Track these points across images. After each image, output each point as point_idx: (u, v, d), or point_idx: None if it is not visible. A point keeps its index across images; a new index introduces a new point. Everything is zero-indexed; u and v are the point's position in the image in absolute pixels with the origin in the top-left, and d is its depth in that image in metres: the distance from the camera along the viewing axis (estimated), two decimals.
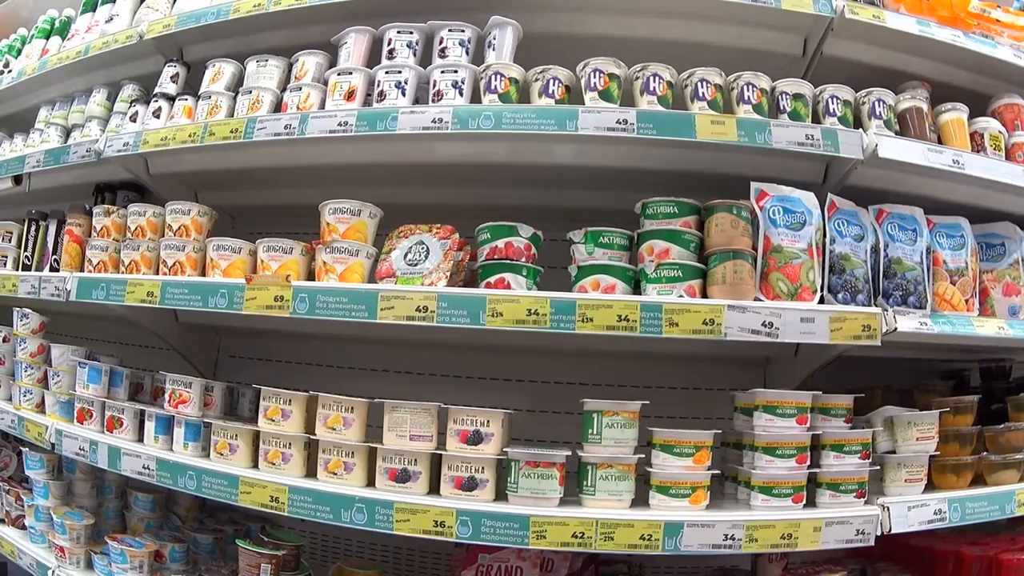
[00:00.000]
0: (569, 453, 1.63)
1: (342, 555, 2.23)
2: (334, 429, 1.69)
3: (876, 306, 1.79)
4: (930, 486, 1.84)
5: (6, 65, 3.02)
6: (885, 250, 1.85)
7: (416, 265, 1.72)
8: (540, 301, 1.62)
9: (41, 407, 2.27)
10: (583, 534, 1.56)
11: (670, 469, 1.62)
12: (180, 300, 1.89)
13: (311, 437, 1.72)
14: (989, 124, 2.10)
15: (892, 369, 2.09)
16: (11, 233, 2.56)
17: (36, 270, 2.44)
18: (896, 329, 1.72)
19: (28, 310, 2.31)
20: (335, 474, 1.69)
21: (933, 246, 1.93)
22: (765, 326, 1.65)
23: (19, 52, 3.02)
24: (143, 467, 1.92)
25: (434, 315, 1.63)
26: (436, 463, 1.66)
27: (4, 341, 2.45)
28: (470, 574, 1.76)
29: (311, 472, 1.75)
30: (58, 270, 2.31)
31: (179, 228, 1.98)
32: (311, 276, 1.86)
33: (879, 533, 1.67)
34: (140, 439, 2.01)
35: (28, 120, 2.79)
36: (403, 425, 1.64)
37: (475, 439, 1.62)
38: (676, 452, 1.63)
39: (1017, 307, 2.01)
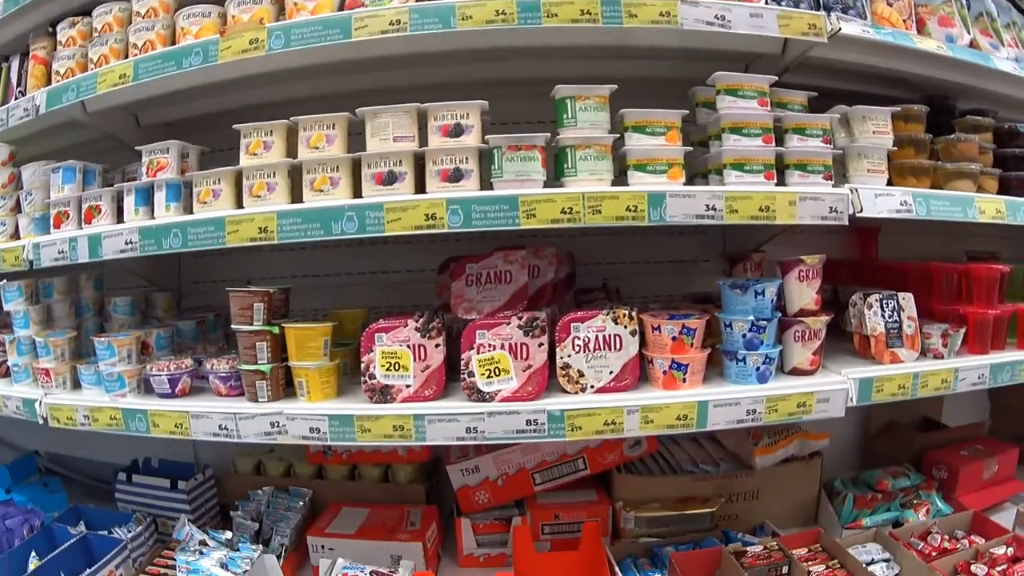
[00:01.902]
0: (548, 135, 1.68)
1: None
2: (317, 148, 1.72)
3: None
4: None
5: None
6: None
7: None
8: (506, 2, 1.68)
9: (16, 236, 2.22)
10: (571, 209, 1.60)
11: (645, 146, 1.69)
12: (154, 71, 1.90)
13: (295, 161, 1.74)
14: None
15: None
16: None
17: None
18: (840, 30, 1.84)
19: None
20: (321, 191, 1.71)
21: None
22: (718, 19, 1.75)
23: None
24: (126, 243, 1.88)
25: (407, 26, 1.69)
26: (420, 167, 1.70)
27: None
28: (460, 285, 1.77)
29: (297, 201, 1.76)
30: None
31: (147, 11, 1.99)
32: None
33: (851, 212, 1.75)
34: (120, 222, 1.99)
35: None
36: (386, 129, 1.68)
37: (456, 131, 1.66)
38: (649, 132, 1.70)
39: (954, 36, 2.15)
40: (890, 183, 1.95)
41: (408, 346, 1.69)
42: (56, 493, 2.45)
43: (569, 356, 1.70)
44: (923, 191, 1.93)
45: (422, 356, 1.70)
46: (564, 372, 1.71)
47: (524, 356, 1.67)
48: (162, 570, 2.00)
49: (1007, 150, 2.25)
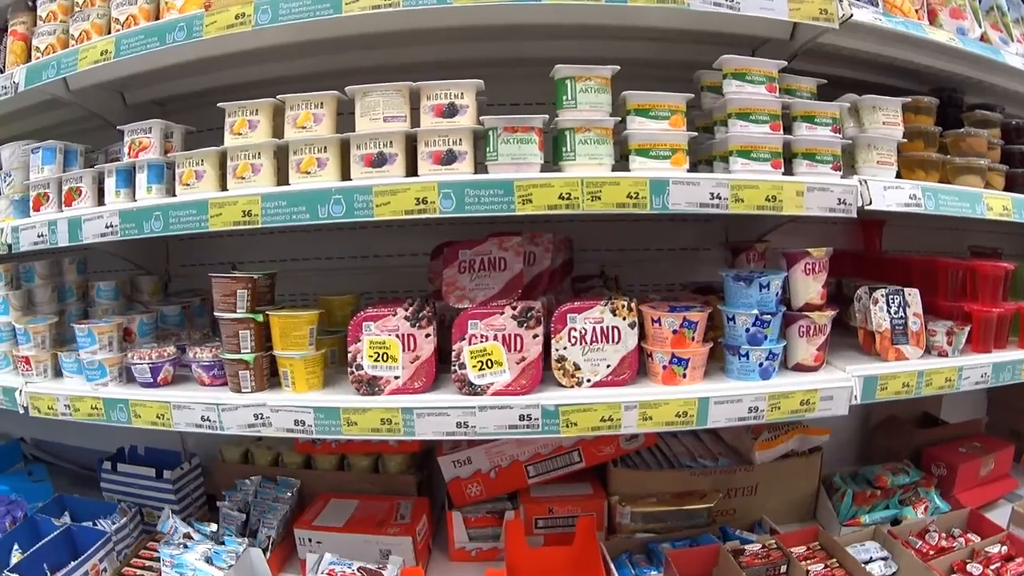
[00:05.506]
0: (546, 117, 1.61)
1: None
2: (304, 128, 1.65)
3: None
4: None
5: None
6: None
7: None
8: None
9: None
10: (570, 195, 1.54)
11: (648, 130, 1.62)
12: (136, 47, 1.82)
13: (280, 142, 1.67)
14: None
15: None
16: None
17: None
18: (852, 17, 1.77)
19: None
20: (308, 173, 1.64)
21: None
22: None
23: None
24: (106, 226, 1.81)
25: (399, 1, 1.61)
26: (411, 149, 1.63)
27: None
28: (452, 272, 1.71)
29: (283, 183, 1.69)
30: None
31: None
32: None
33: (860, 205, 1.70)
34: (101, 204, 1.91)
35: None
36: (376, 109, 1.60)
37: (450, 112, 1.59)
38: (652, 115, 1.63)
39: (965, 29, 2.09)
40: (898, 176, 1.89)
41: (397, 336, 1.63)
42: (40, 482, 2.40)
43: (565, 348, 1.64)
44: (932, 185, 1.87)
45: (412, 346, 1.64)
46: (559, 365, 1.65)
47: (518, 348, 1.61)
48: (146, 562, 1.96)
49: (1014, 147, 2.20)
